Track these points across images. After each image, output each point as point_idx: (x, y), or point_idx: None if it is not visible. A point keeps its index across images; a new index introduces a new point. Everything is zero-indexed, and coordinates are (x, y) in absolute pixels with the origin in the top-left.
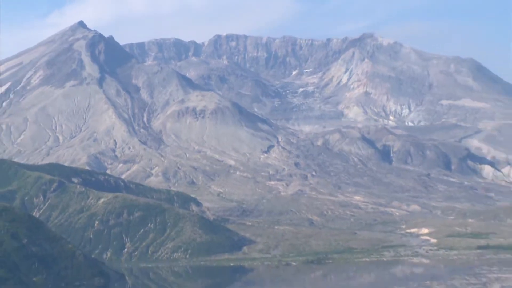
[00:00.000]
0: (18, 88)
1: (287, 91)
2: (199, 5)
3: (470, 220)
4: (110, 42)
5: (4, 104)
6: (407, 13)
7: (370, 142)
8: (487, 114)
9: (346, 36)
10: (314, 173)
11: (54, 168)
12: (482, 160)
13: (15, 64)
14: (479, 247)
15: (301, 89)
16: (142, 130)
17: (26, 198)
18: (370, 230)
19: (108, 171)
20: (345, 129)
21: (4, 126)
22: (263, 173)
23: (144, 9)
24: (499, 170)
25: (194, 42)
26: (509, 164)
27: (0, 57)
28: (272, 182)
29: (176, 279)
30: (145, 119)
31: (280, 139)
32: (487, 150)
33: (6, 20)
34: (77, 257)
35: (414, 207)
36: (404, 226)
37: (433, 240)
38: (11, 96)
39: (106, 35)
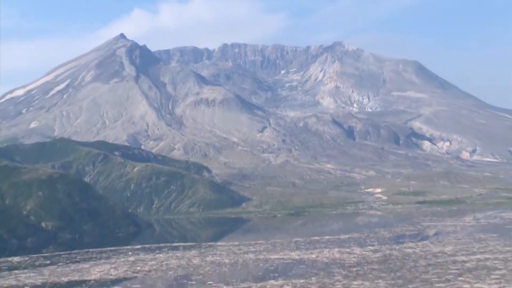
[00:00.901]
0: (75, 84)
1: (277, 86)
2: (211, 21)
3: (412, 182)
4: (143, 49)
5: (64, 96)
6: (366, 27)
7: (338, 124)
8: (426, 102)
9: (322, 44)
10: (296, 147)
11: (101, 145)
12: (422, 137)
13: (73, 66)
14: (418, 202)
15: (288, 84)
16: (167, 115)
17: (80, 167)
18: (338, 190)
19: (142, 147)
20: (320, 114)
21: (64, 113)
22: (258, 148)
23: (170, 24)
24: (435, 144)
25: (207, 49)
26: (442, 140)
27: (62, 61)
28: (265, 154)
29: (192, 227)
30: (170, 107)
31: (271, 122)
32: (426, 130)
33: (68, 32)
34: (116, 211)
35: (371, 172)
36: (363, 187)
37: (384, 197)
38: (70, 90)
39: (140, 44)
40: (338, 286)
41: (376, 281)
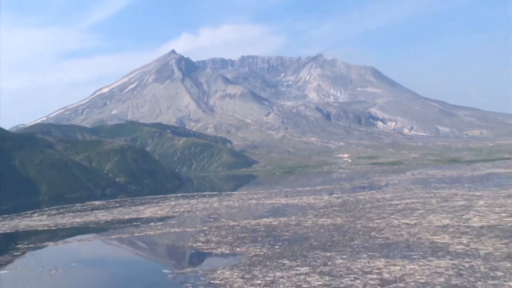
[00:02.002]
0: (141, 84)
1: (278, 84)
2: (234, 40)
3: (369, 150)
4: (187, 60)
5: (134, 92)
6: (340, 43)
7: (320, 110)
8: (379, 95)
9: (308, 55)
10: (290, 126)
11: (157, 125)
12: (376, 119)
13: (140, 72)
14: (372, 164)
15: (285, 83)
16: (203, 105)
17: (143, 140)
18: (318, 155)
19: (186, 127)
20: (307, 104)
21: (134, 103)
22: (264, 127)
23: (206, 43)
24: (385, 124)
25: (231, 59)
26: (390, 120)
27: (133, 68)
28: (269, 131)
29: (218, 180)
30: (205, 99)
31: (274, 109)
32: (379, 114)
33: (138, 49)
34: (166, 170)
35: (341, 143)
36: (335, 153)
37: (349, 160)
38: (138, 88)
39: (185, 56)
40: (309, 221)
41: (335, 218)
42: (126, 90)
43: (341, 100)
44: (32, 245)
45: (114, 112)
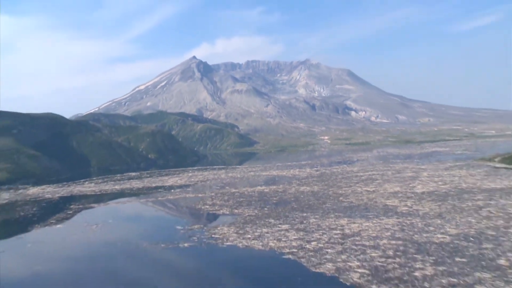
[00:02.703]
0: (169, 82)
1: (275, 83)
2: (242, 48)
3: (344, 133)
4: (205, 64)
5: (164, 88)
6: (323, 50)
7: (307, 102)
8: (353, 91)
9: (299, 60)
10: (284, 115)
11: (181, 114)
12: (350, 109)
13: (169, 73)
14: (346, 144)
15: (281, 82)
16: (217, 98)
17: (170, 126)
18: (305, 137)
19: (203, 115)
20: (298, 97)
21: (164, 97)
22: (264, 115)
23: (220, 50)
24: (357, 113)
25: (239, 63)
26: (361, 111)
27: (164, 70)
28: (268, 119)
29: (227, 157)
30: (218, 94)
31: (271, 102)
32: (353, 105)
33: (167, 55)
34: (187, 149)
35: (323, 128)
36: (318, 136)
37: (329, 141)
38: (167, 85)
39: (203, 61)
40: (293, 189)
41: (313, 186)
42: (158, 87)
43: (323, 95)
44: (81, 206)
45: (148, 104)
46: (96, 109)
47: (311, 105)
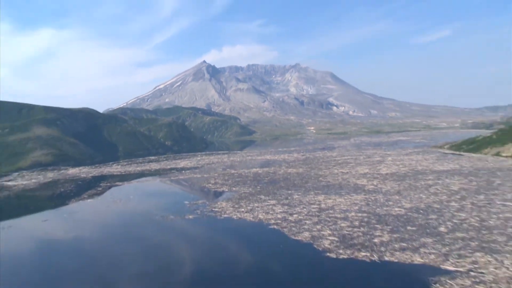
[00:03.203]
0: (184, 82)
1: (271, 83)
2: (244, 54)
3: (327, 124)
4: (213, 67)
5: (179, 87)
6: (311, 57)
7: (297, 99)
8: (334, 90)
9: (290, 64)
10: (278, 109)
11: (193, 108)
12: (332, 105)
13: (184, 75)
14: (328, 133)
15: (276, 82)
16: (223, 95)
17: (183, 118)
18: (294, 128)
19: (212, 109)
20: (289, 95)
21: (179, 94)
22: (261, 109)
23: (226, 56)
24: (338, 108)
25: (241, 66)
26: (341, 106)
27: (179, 72)
28: (265, 112)
29: (230, 144)
30: (224, 92)
31: (268, 98)
32: (334, 102)
33: (182, 60)
34: (197, 137)
35: (309, 120)
36: (306, 127)
37: (314, 131)
38: (182, 85)
39: (212, 64)
40: (282, 171)
41: (298, 169)
42: (174, 86)
43: (310, 93)
44: (109, 184)
45: (166, 100)
46: (124, 104)
47: (300, 101)
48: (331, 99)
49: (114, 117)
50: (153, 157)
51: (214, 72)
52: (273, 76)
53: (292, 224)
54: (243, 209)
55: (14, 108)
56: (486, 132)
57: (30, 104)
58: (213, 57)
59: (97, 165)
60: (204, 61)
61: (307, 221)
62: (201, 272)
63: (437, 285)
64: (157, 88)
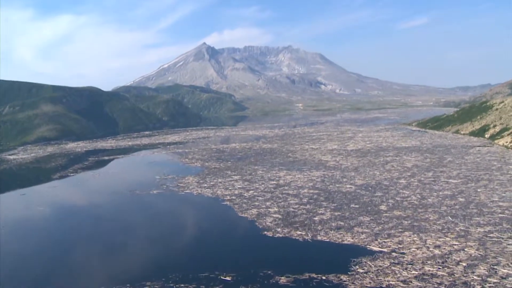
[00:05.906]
0: (186, 62)
1: (265, 63)
2: (241, 37)
3: (314, 102)
4: (213, 49)
5: (181, 67)
6: (302, 40)
7: (289, 78)
8: (323, 70)
9: (283, 46)
10: (271, 87)
11: (191, 86)
12: (321, 84)
13: (185, 55)
14: (314, 110)
15: (270, 62)
16: (221, 74)
17: (182, 95)
18: (285, 105)
19: (210, 87)
20: (281, 74)
21: (181, 74)
22: (256, 87)
23: (226, 38)
24: (326, 87)
25: (238, 48)
26: (329, 85)
27: (181, 53)
28: (258, 90)
29: (224, 119)
30: (222, 71)
31: (262, 77)
32: (323, 80)
33: (184, 42)
34: (193, 113)
35: (299, 98)
36: (295, 103)
37: (302, 108)
38: (184, 65)
39: (212, 46)
40: (257, 146)
41: (274, 144)
42: (177, 66)
43: (301, 72)
44: (96, 158)
45: (169, 78)
46: (132, 82)
47: (291, 80)
48: (319, 78)
49: (116, 95)
50: (147, 132)
51: (213, 53)
52: (268, 57)
53: (245, 200)
54: (206, 185)
55: (25, 87)
56: (454, 110)
57: (40, 84)
58: (213, 40)
59: (95, 139)
60: (204, 43)
61: (260, 198)
62: (134, 240)
63: (357, 266)
64: (161, 67)
